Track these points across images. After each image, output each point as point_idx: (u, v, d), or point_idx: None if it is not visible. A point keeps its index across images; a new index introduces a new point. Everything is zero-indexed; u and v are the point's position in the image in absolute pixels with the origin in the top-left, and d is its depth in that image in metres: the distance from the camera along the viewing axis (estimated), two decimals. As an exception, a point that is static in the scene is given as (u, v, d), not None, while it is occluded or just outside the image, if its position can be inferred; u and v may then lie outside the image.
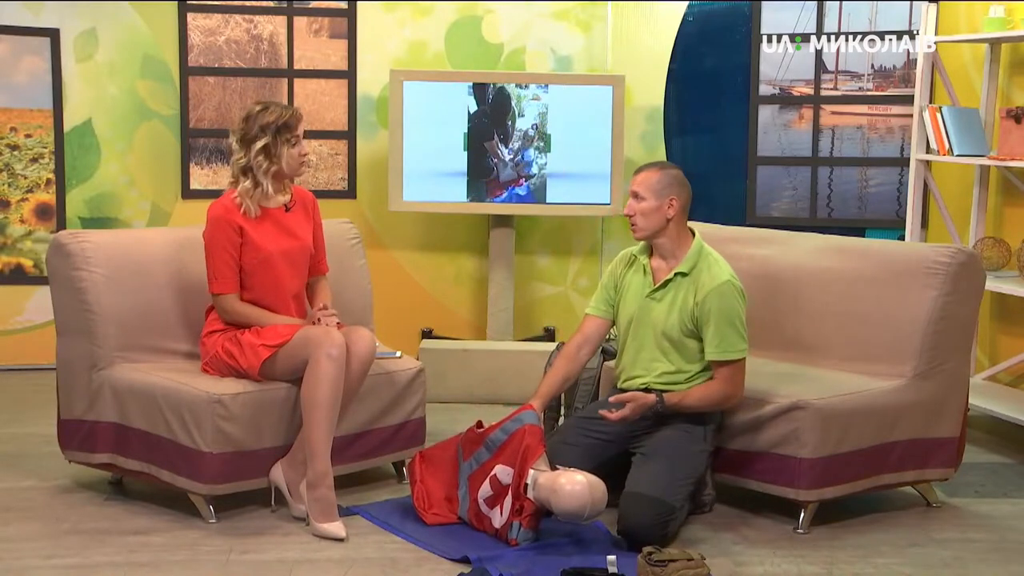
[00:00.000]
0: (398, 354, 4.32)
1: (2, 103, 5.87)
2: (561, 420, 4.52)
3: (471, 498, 3.79)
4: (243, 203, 3.91)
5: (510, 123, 5.77)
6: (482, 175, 5.79)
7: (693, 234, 3.94)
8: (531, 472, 3.61)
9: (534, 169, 5.79)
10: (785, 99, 6.05)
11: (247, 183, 3.91)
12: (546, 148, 5.78)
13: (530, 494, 3.59)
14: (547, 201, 5.81)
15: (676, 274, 3.85)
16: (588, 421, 3.95)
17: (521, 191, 5.80)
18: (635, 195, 3.85)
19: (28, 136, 5.88)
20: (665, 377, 3.86)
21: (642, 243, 3.97)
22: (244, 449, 3.82)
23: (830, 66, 5.99)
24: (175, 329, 4.15)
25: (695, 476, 3.79)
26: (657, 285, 3.88)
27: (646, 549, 3.40)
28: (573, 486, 3.50)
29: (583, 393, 4.43)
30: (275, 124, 3.89)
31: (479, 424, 3.89)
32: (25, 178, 5.90)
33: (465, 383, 5.53)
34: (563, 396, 4.49)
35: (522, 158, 5.79)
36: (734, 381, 3.81)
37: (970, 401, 4.36)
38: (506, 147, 5.78)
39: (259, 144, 3.89)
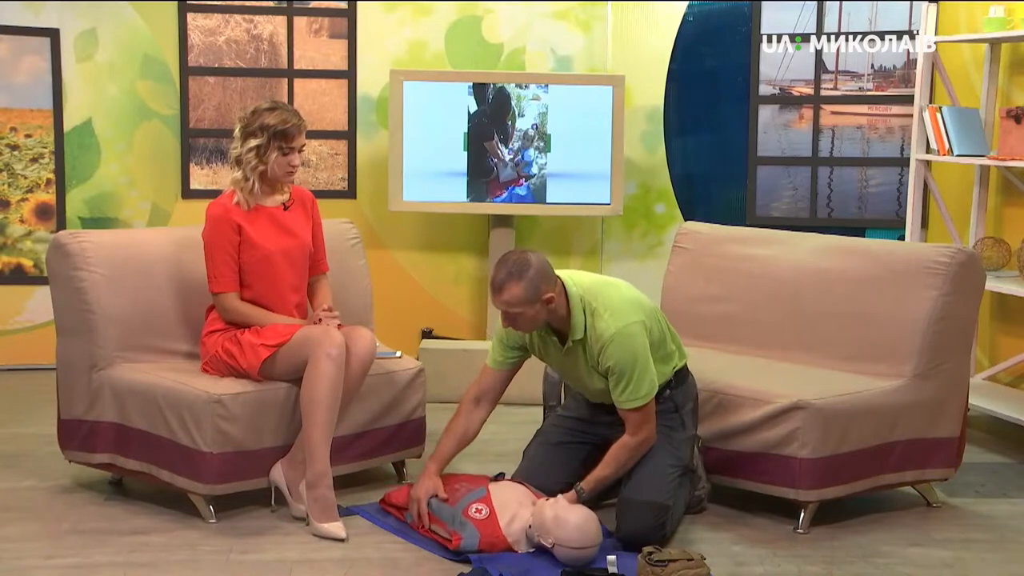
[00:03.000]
0: (398, 354, 4.32)
1: (2, 103, 5.87)
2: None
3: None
4: (238, 194, 3.94)
5: (510, 123, 5.77)
6: (482, 175, 5.79)
7: (566, 291, 3.63)
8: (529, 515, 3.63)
9: (534, 169, 5.79)
10: (785, 99, 6.05)
11: (238, 174, 3.94)
12: (546, 148, 5.78)
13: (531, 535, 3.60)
14: (547, 201, 5.81)
15: (574, 342, 3.66)
16: (569, 420, 3.97)
17: (521, 191, 5.80)
18: (508, 315, 3.58)
19: (28, 136, 5.88)
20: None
21: None
22: (244, 449, 3.82)
23: (830, 66, 5.99)
24: (175, 329, 4.15)
25: (682, 464, 3.78)
26: (565, 348, 3.70)
27: (646, 549, 3.40)
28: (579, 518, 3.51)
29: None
30: (273, 128, 3.90)
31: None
32: (25, 178, 5.90)
33: (465, 383, 5.44)
34: (563, 396, 4.48)
35: (522, 158, 5.79)
36: (646, 425, 3.67)
37: (970, 401, 4.36)
38: (506, 147, 5.78)
39: (253, 142, 3.90)
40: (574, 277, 3.71)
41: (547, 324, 3.69)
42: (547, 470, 3.87)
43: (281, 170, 3.95)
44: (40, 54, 5.85)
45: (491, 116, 5.76)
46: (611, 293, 3.70)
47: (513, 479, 3.87)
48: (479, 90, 5.75)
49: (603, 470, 3.70)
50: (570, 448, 3.92)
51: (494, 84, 5.75)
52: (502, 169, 5.79)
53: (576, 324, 3.63)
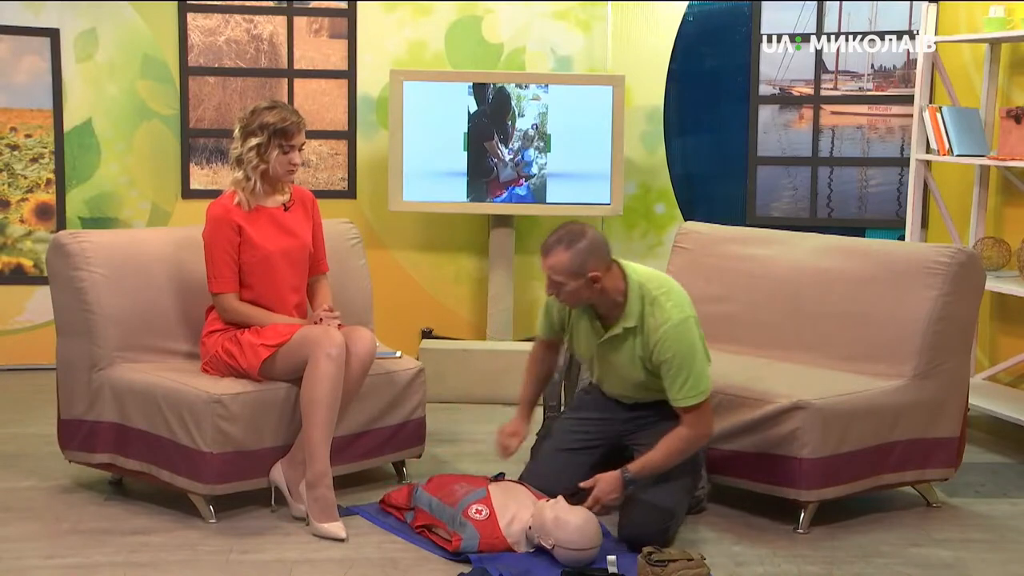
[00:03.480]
0: (398, 354, 4.32)
1: (2, 103, 5.87)
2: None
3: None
4: (239, 194, 3.93)
5: (510, 123, 5.77)
6: (482, 175, 5.79)
7: (625, 276, 3.63)
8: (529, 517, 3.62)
9: (534, 169, 5.79)
10: (785, 99, 6.05)
11: (239, 174, 3.94)
12: (546, 148, 5.78)
13: (531, 535, 3.60)
14: (547, 201, 5.81)
15: (624, 330, 3.62)
16: (579, 422, 3.93)
17: (521, 191, 5.80)
18: (552, 281, 3.57)
19: (28, 136, 5.88)
20: (643, 395, 3.78)
21: None
22: (244, 449, 3.82)
23: (830, 66, 5.99)
24: (175, 329, 4.15)
25: (693, 473, 3.79)
26: (607, 336, 3.68)
27: (646, 549, 3.40)
28: (579, 519, 3.51)
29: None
30: (273, 127, 3.90)
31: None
32: (25, 178, 5.90)
33: (465, 383, 5.53)
34: (563, 396, 4.49)
35: (522, 158, 5.79)
36: (703, 422, 3.61)
37: (970, 401, 4.36)
38: (506, 147, 5.78)
39: (253, 141, 3.90)
40: (634, 266, 3.69)
41: (592, 307, 3.67)
42: (557, 476, 3.80)
43: (282, 168, 3.95)
44: (40, 54, 5.85)
45: (491, 116, 5.76)
46: (674, 286, 3.68)
47: (520, 482, 3.87)
48: (479, 90, 5.74)
49: (654, 455, 3.60)
50: (581, 453, 3.86)
51: (494, 84, 5.75)
52: (502, 169, 5.79)
53: (631, 311, 3.59)
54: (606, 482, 3.62)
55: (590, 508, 3.58)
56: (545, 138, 5.78)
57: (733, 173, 6.12)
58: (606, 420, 3.89)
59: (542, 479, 3.82)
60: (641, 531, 3.60)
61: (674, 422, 3.66)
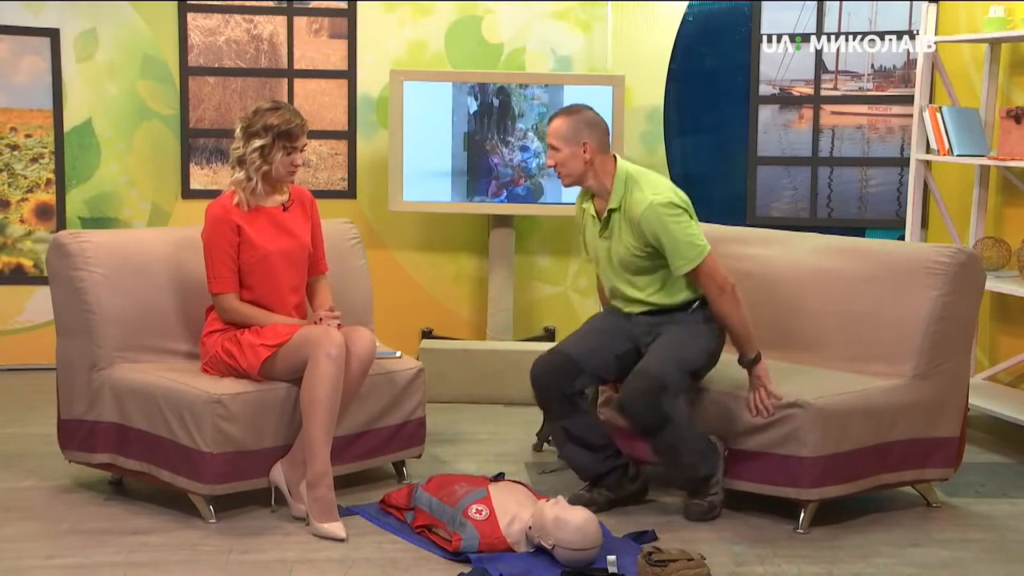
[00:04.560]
0: (398, 354, 4.32)
1: (2, 103, 5.87)
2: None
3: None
4: (238, 194, 3.93)
5: (510, 123, 5.77)
6: (482, 175, 5.79)
7: (616, 164, 3.97)
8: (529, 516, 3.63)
9: (534, 169, 5.79)
10: (785, 99, 6.05)
11: (240, 175, 3.94)
12: (546, 148, 5.78)
13: (531, 535, 3.60)
14: (547, 201, 5.81)
15: (609, 211, 3.93)
16: (614, 316, 4.09)
17: (521, 191, 5.80)
18: (551, 146, 3.94)
19: (28, 136, 5.89)
20: (653, 296, 3.97)
21: (580, 189, 4.09)
22: (244, 449, 3.82)
23: (830, 66, 5.99)
24: (175, 329, 4.15)
25: (689, 367, 3.88)
26: (601, 225, 3.98)
27: (646, 548, 3.40)
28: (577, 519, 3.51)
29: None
30: (277, 128, 3.90)
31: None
32: (25, 178, 5.90)
33: (465, 383, 5.53)
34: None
35: (522, 158, 5.79)
36: (716, 276, 3.86)
37: (970, 401, 4.36)
38: (506, 147, 5.78)
39: (258, 142, 3.90)
40: (633, 163, 4.02)
41: (587, 190, 4.00)
42: (589, 352, 3.98)
43: (284, 169, 3.95)
44: (40, 54, 5.85)
45: (491, 116, 5.76)
46: (661, 179, 3.98)
47: (519, 482, 3.88)
48: (479, 90, 5.75)
49: (731, 331, 3.89)
50: (614, 337, 4.02)
51: (494, 84, 5.75)
52: (502, 169, 5.79)
53: (615, 191, 3.91)
54: (758, 375, 3.83)
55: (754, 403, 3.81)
56: (545, 138, 5.77)
57: (733, 173, 6.12)
58: (628, 326, 4.04)
59: (577, 347, 4.00)
60: (632, 395, 3.81)
61: (678, 325, 3.93)
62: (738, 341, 3.89)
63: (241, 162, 3.94)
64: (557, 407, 3.99)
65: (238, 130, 3.97)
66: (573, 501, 4.02)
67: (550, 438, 4.61)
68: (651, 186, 3.90)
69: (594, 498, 4.00)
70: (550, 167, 3.98)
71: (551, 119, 3.98)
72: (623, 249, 3.94)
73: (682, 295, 3.96)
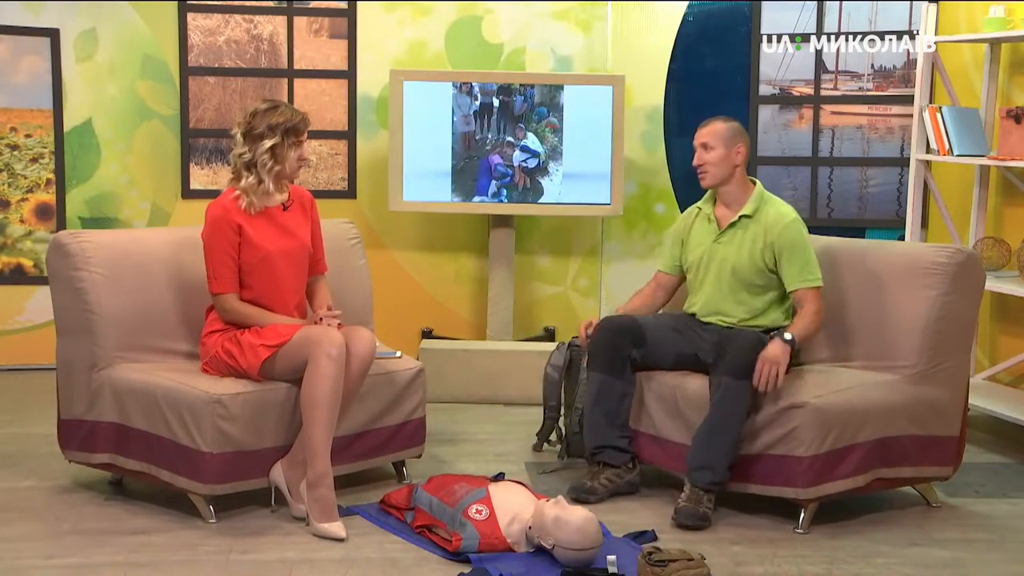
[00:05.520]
0: (398, 354, 4.32)
1: (2, 103, 5.87)
2: (562, 419, 4.52)
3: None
4: (246, 198, 3.92)
5: (510, 123, 5.76)
6: (482, 175, 5.79)
7: (754, 183, 4.20)
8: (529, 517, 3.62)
9: (542, 156, 5.79)
10: (785, 99, 6.05)
11: (251, 179, 3.92)
12: (546, 148, 5.78)
13: (531, 535, 3.60)
14: (547, 201, 5.81)
15: (741, 216, 4.11)
16: (685, 317, 4.23)
17: (521, 191, 5.80)
18: (704, 146, 4.16)
19: (28, 136, 5.89)
20: (740, 298, 4.11)
21: (706, 195, 4.27)
22: (244, 449, 3.82)
23: (830, 66, 5.99)
24: (175, 329, 4.15)
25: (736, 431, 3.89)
26: (723, 229, 4.14)
27: (646, 548, 3.40)
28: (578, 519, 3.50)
29: (583, 393, 4.43)
30: (284, 126, 3.90)
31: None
32: (25, 178, 5.90)
33: (465, 383, 5.53)
34: (563, 396, 4.49)
35: (522, 158, 5.79)
36: (820, 306, 4.01)
37: (970, 401, 4.36)
38: (506, 147, 5.78)
39: (267, 143, 3.90)
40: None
41: (716, 198, 4.19)
42: (663, 345, 4.11)
43: (295, 164, 3.97)
44: (40, 54, 5.85)
45: (491, 116, 5.76)
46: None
47: (519, 482, 3.88)
48: (479, 90, 5.74)
49: (798, 323, 3.97)
50: (682, 336, 4.15)
51: (494, 84, 5.75)
52: (502, 169, 5.79)
53: (752, 200, 4.12)
54: (772, 349, 3.84)
55: (761, 373, 3.81)
56: (545, 138, 5.78)
57: (733, 173, 6.11)
58: (696, 333, 4.17)
59: (652, 329, 4.14)
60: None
61: (745, 347, 3.91)
62: (798, 332, 3.95)
63: (249, 166, 3.93)
64: (606, 357, 4.11)
65: (238, 135, 3.95)
66: (573, 491, 4.03)
67: (550, 438, 4.62)
68: (791, 208, 4.13)
69: (594, 487, 4.01)
70: (696, 166, 4.18)
71: (707, 122, 4.21)
72: (744, 255, 4.09)
73: (767, 320, 4.11)
